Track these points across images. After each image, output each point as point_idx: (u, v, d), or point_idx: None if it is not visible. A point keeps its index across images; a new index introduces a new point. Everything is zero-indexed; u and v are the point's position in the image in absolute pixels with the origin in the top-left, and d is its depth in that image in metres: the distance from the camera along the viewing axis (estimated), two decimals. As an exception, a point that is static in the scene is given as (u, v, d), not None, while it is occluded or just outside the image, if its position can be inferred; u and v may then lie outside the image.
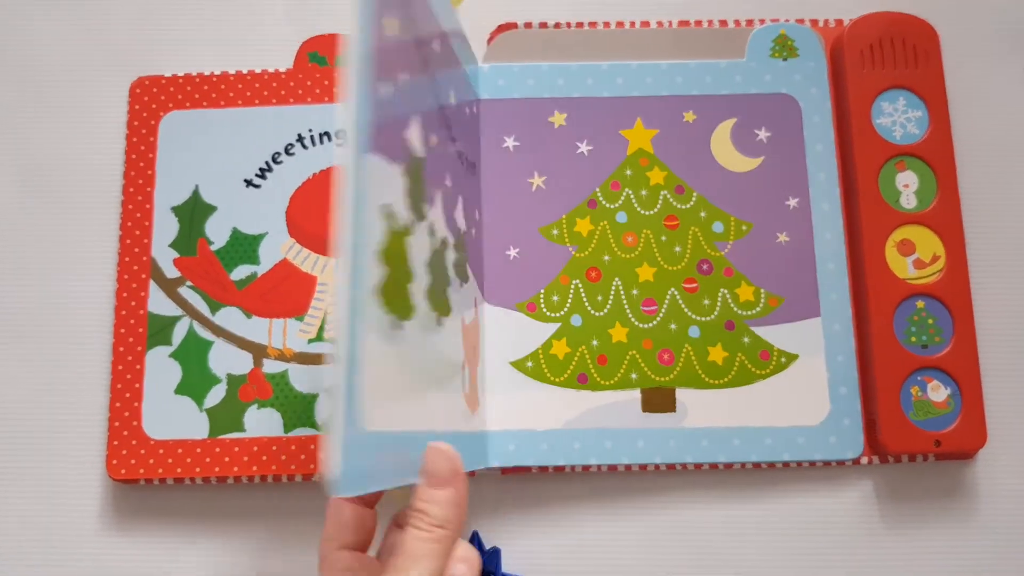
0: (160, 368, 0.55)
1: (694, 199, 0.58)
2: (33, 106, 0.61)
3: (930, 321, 0.56)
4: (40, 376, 0.57)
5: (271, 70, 0.59)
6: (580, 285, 0.56)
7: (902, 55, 0.58)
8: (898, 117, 0.58)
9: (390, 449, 0.37)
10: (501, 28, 0.60)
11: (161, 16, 0.62)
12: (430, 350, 0.43)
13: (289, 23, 0.61)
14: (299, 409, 0.54)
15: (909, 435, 0.54)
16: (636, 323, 0.56)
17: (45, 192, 0.59)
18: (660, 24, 0.61)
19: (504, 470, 0.55)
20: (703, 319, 0.56)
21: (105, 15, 0.62)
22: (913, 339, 0.55)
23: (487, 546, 0.54)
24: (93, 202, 0.59)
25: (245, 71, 0.59)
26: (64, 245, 0.59)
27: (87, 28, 0.62)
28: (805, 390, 0.55)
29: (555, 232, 0.57)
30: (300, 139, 0.58)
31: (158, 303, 0.56)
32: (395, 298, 0.38)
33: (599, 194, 0.58)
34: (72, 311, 0.58)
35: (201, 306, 0.56)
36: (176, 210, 0.57)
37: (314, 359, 0.54)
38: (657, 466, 0.55)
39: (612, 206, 0.57)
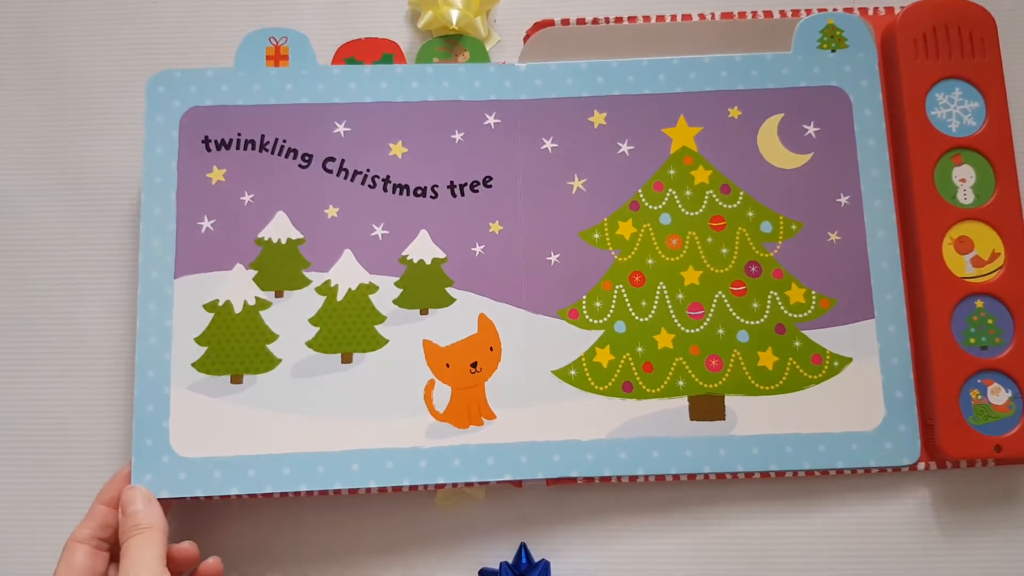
0: None
1: (741, 198, 0.56)
2: (72, 118, 0.60)
3: (990, 321, 0.53)
4: (111, 390, 0.57)
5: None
6: (623, 290, 0.55)
7: (957, 43, 0.56)
8: (954, 108, 0.56)
9: (211, 467, 0.52)
10: (537, 26, 0.59)
11: (201, 23, 0.61)
12: (328, 388, 0.53)
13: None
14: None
15: (968, 440, 0.52)
16: (682, 328, 0.54)
17: (88, 204, 0.59)
18: (703, 17, 0.59)
19: (549, 481, 0.54)
20: (752, 323, 0.54)
21: (148, 24, 0.61)
22: (972, 340, 0.53)
23: (536, 559, 0.53)
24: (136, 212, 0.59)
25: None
26: (116, 255, 0.59)
27: (126, 36, 0.61)
28: (859, 395, 0.53)
29: (596, 236, 0.56)
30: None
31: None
32: (229, 363, 0.54)
33: (641, 195, 0.56)
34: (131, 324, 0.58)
35: None
36: None
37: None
38: (706, 476, 0.53)
39: (655, 208, 0.56)
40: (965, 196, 0.55)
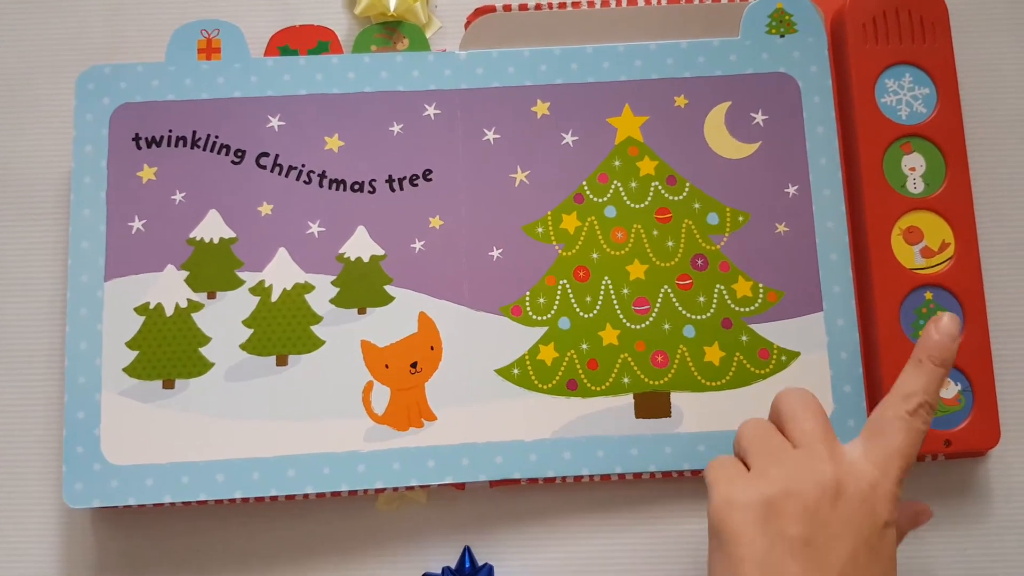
0: None
1: (687, 190, 0.54)
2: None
3: (939, 313, 0.53)
4: (40, 394, 0.55)
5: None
6: (568, 285, 0.54)
7: (908, 28, 0.55)
8: (904, 95, 0.54)
9: (143, 475, 0.51)
10: (478, 12, 0.57)
11: (124, 10, 0.59)
12: (262, 392, 0.52)
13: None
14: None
15: (917, 435, 0.51)
16: (628, 324, 0.53)
17: (12, 198, 0.57)
18: (648, 2, 0.57)
19: (492, 483, 0.52)
20: (698, 318, 0.53)
21: (77, 15, 0.59)
22: (921, 333, 0.52)
23: (479, 562, 0.52)
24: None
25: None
26: (42, 252, 0.57)
27: (54, 28, 0.59)
28: (807, 389, 0.52)
29: (540, 230, 0.54)
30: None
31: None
32: (161, 368, 0.52)
33: (586, 188, 0.55)
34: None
35: None
36: None
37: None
38: (652, 475, 0.52)
39: (600, 200, 0.54)
40: (915, 185, 0.54)
